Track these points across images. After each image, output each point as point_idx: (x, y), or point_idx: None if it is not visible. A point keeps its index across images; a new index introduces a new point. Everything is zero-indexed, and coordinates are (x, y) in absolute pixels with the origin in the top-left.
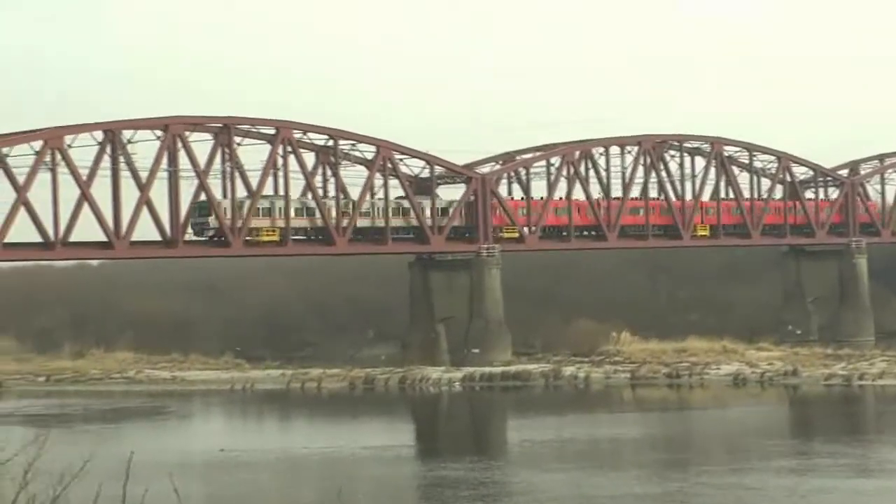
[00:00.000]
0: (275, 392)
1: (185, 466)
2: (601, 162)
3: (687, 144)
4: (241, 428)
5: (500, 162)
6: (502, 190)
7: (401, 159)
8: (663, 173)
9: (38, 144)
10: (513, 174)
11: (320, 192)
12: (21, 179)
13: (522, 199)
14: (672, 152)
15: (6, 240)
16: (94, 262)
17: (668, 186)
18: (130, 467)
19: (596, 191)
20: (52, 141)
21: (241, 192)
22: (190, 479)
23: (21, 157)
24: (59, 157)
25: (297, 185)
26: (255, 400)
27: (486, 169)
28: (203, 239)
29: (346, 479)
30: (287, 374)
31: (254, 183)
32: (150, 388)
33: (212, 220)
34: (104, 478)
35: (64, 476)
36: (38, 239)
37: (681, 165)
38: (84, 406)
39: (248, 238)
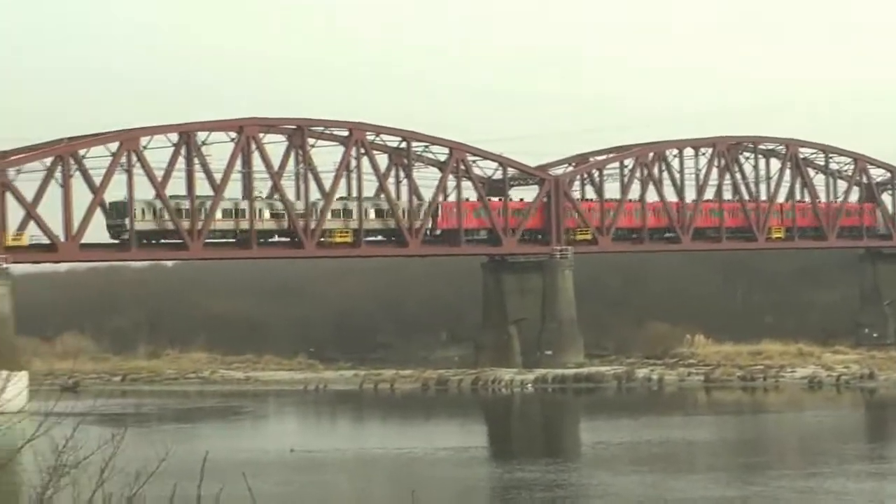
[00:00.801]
0: (348, 393)
1: (260, 466)
2: (675, 164)
3: (762, 146)
4: (314, 428)
5: (573, 164)
6: (575, 192)
7: (474, 161)
8: (738, 175)
9: (114, 146)
10: (586, 176)
11: (393, 194)
12: (97, 181)
13: (595, 200)
14: (746, 154)
15: (83, 240)
16: (169, 263)
17: (743, 188)
18: (205, 467)
19: (670, 193)
20: (128, 142)
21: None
22: (264, 479)
23: (97, 158)
24: (134, 158)
25: (369, 186)
26: (328, 401)
27: (559, 171)
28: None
29: (420, 481)
30: (360, 374)
31: (327, 185)
32: (225, 388)
33: (128, 222)
34: (179, 477)
35: (140, 475)
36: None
37: (755, 167)
38: (159, 406)
39: (321, 240)
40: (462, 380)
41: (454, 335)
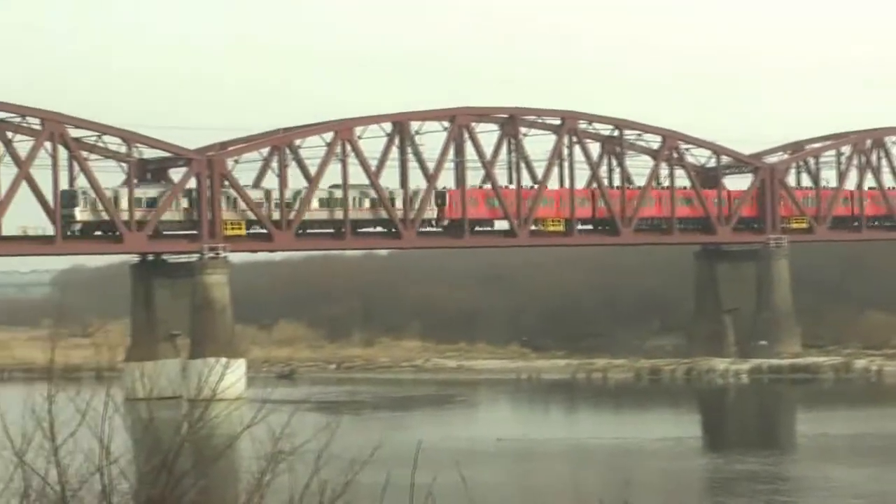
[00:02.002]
0: (560, 382)
1: (472, 455)
2: (895, 151)
3: None
4: (527, 417)
5: (789, 151)
6: (790, 180)
7: (687, 149)
8: None
9: (328, 136)
10: (801, 163)
11: (605, 182)
12: (312, 170)
13: (811, 188)
14: None
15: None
16: (383, 252)
17: None
18: (419, 455)
19: (889, 180)
20: (343, 132)
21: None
22: (478, 467)
23: (313, 148)
24: (348, 147)
25: (581, 175)
26: (540, 390)
27: (773, 159)
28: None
29: (634, 471)
30: (572, 364)
31: (539, 173)
32: (437, 376)
33: (78, 212)
34: (393, 465)
35: (355, 462)
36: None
37: None
38: (373, 394)
39: (533, 228)
40: (675, 369)
41: (666, 324)
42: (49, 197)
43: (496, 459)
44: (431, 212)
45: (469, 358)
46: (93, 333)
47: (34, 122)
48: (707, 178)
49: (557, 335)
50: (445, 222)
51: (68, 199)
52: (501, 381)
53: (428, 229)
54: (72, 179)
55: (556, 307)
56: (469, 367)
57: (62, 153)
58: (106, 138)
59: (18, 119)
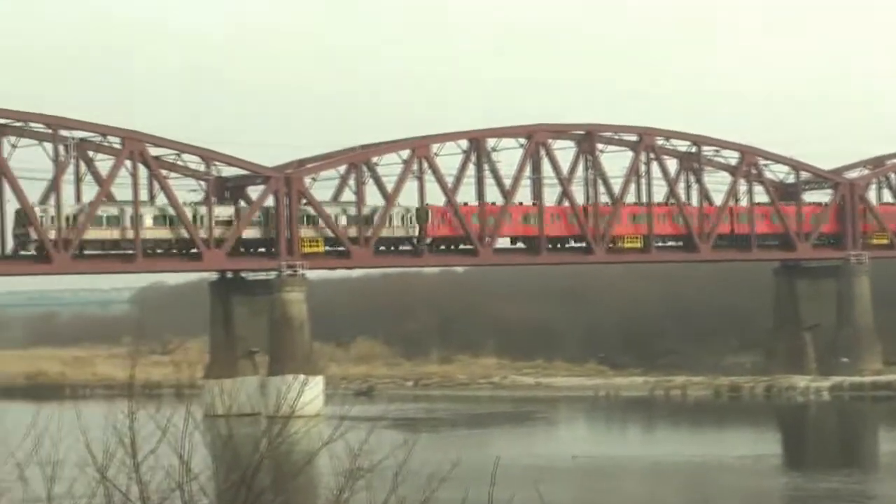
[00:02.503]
0: (638, 399)
1: (551, 472)
2: None
3: None
4: (604, 435)
5: (869, 167)
6: (870, 195)
7: (765, 165)
8: None
9: (405, 153)
10: (882, 179)
11: (682, 198)
12: (389, 187)
13: (892, 204)
14: None
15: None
16: (460, 269)
17: None
18: (496, 472)
19: None
20: (420, 149)
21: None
22: (555, 485)
23: (389, 165)
24: (425, 164)
25: (659, 191)
26: (618, 407)
27: (853, 174)
28: (565, 248)
29: (713, 489)
30: (650, 381)
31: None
32: (515, 393)
33: (33, 231)
34: (471, 482)
35: (432, 479)
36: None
37: None
38: (451, 411)
39: (610, 245)
40: (754, 387)
41: (743, 341)
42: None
43: (573, 477)
44: (513, 228)
45: (547, 375)
46: (172, 351)
47: (115, 141)
48: (786, 193)
49: (634, 352)
50: (428, 241)
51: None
52: (579, 399)
53: (505, 247)
54: (151, 197)
55: (632, 323)
56: (547, 384)
57: (142, 171)
58: (185, 156)
59: (100, 138)
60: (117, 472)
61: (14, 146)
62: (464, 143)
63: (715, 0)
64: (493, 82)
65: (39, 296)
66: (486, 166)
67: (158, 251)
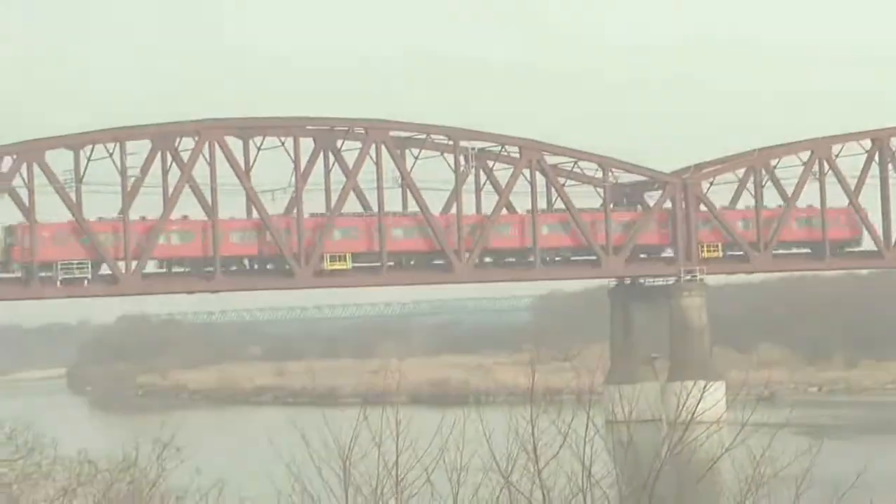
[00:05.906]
0: None
1: None
2: None
3: None
4: None
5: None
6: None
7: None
8: None
9: (804, 155)
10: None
11: None
12: (788, 190)
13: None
14: None
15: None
16: (864, 272)
17: None
18: None
19: None
20: (820, 151)
21: None
22: None
23: (788, 168)
24: (826, 166)
25: None
26: None
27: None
28: None
29: None
30: None
31: None
32: None
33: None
34: (879, 490)
35: (837, 488)
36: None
37: None
38: (856, 417)
39: None
40: None
41: None
42: None
43: None
44: None
45: None
46: (573, 357)
47: (513, 151)
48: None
49: None
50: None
51: None
52: None
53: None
54: (549, 204)
55: None
56: None
57: (539, 179)
58: (581, 164)
59: (498, 148)
60: (520, 476)
61: (416, 158)
62: (867, 143)
63: None
64: None
65: (442, 305)
66: (890, 166)
67: (556, 259)
